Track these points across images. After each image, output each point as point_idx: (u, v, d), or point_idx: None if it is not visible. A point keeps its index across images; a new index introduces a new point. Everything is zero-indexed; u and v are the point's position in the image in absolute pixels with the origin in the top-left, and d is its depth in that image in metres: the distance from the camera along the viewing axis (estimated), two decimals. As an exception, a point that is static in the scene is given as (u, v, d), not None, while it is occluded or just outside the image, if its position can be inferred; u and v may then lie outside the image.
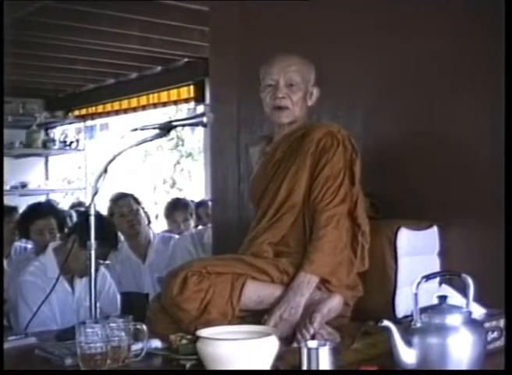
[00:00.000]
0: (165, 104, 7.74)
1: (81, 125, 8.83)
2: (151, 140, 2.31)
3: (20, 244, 4.61)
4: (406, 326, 1.84)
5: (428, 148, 2.76)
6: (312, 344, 1.80)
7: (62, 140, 8.87)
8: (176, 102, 7.66)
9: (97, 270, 2.27)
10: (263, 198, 2.59)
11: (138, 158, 12.08)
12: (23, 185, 8.57)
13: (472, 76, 2.65)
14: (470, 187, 2.64)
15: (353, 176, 2.49)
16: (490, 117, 2.55)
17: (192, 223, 5.11)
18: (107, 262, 3.10)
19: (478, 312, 2.02)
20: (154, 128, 2.28)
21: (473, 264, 2.39)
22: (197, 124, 2.39)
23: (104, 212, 4.07)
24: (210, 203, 4.16)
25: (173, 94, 7.51)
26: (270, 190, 2.57)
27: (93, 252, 2.21)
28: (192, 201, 5.43)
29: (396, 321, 1.88)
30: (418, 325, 1.81)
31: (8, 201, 5.84)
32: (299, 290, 2.33)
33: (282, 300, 2.33)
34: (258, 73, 2.59)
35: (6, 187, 7.71)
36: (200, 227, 4.81)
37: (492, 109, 2.51)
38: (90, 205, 2.23)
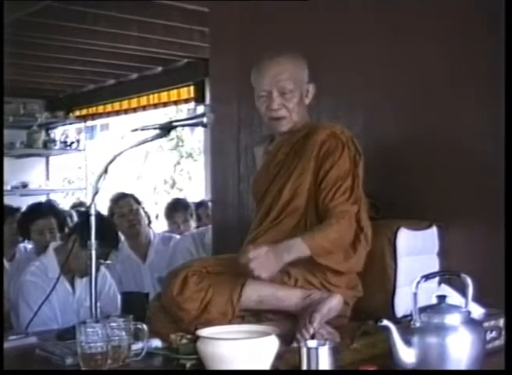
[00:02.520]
0: (165, 104, 7.74)
1: (82, 125, 8.83)
2: (151, 140, 2.31)
3: (25, 245, 4.59)
4: (405, 325, 1.85)
5: (429, 148, 2.76)
6: (312, 343, 1.80)
7: (62, 140, 8.88)
8: (176, 103, 7.66)
9: (97, 270, 2.28)
10: (265, 198, 2.57)
11: (138, 158, 12.07)
12: (24, 185, 8.57)
13: (472, 77, 2.65)
14: (470, 187, 2.64)
15: (358, 179, 2.45)
16: (490, 117, 2.56)
17: (192, 223, 5.11)
18: (108, 261, 3.10)
19: (477, 311, 2.03)
20: (154, 128, 2.28)
21: (472, 264, 2.39)
22: (197, 124, 2.39)
23: (105, 212, 4.08)
24: (210, 203, 4.16)
25: (173, 94, 7.52)
26: (272, 190, 2.54)
27: (93, 252, 2.22)
28: (193, 202, 5.43)
29: (396, 321, 1.88)
30: (418, 324, 1.81)
31: (8, 201, 5.82)
32: (286, 248, 2.25)
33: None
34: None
35: (7, 187, 7.73)
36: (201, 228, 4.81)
37: (492, 110, 2.52)
38: (90, 205, 2.23)
